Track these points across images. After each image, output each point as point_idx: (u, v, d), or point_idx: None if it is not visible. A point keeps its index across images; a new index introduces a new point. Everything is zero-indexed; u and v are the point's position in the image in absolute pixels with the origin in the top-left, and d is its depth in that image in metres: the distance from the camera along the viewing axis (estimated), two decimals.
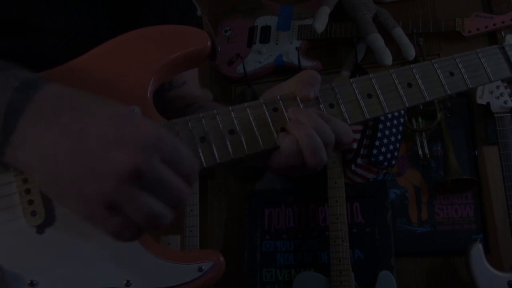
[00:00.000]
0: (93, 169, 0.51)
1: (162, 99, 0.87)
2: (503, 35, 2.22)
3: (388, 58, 2.18)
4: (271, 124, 0.66)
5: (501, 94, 2.01)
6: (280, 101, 0.67)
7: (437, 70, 0.73)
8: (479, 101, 2.07)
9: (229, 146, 0.64)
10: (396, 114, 2.12)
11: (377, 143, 2.09)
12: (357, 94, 0.70)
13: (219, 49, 0.72)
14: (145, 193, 0.53)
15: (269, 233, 2.34)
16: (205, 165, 0.63)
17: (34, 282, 0.57)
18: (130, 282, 0.59)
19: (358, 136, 2.11)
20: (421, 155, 2.22)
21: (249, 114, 0.66)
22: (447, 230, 2.17)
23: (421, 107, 2.18)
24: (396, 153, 2.13)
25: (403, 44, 2.20)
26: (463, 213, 2.17)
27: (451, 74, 0.74)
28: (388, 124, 2.10)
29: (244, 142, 0.65)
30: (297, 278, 2.09)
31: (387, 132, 2.11)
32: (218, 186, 2.51)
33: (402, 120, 2.14)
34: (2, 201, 0.59)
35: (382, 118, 2.09)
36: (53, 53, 0.70)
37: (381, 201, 2.22)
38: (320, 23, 2.33)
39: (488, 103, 2.04)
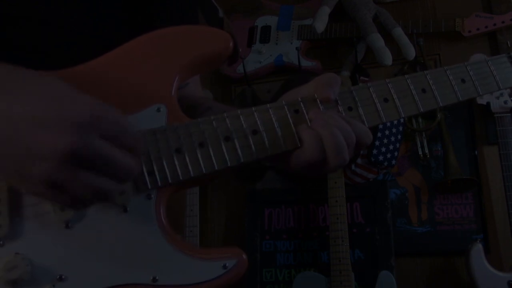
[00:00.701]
0: (29, 153, 0.51)
1: None
2: (503, 35, 2.22)
3: (388, 58, 2.18)
4: (292, 125, 0.67)
5: (501, 94, 2.01)
6: (301, 103, 0.69)
7: (450, 77, 0.75)
8: (479, 101, 2.07)
9: (252, 146, 0.66)
10: None
11: (377, 143, 2.09)
12: (374, 98, 0.72)
13: (240, 50, 0.74)
14: (86, 171, 0.53)
15: (269, 233, 2.34)
16: (229, 164, 0.65)
17: (63, 276, 0.58)
18: (157, 278, 0.60)
19: None
20: (421, 155, 2.22)
21: (272, 115, 0.67)
22: (447, 230, 2.17)
23: None
24: (396, 153, 2.13)
25: (403, 44, 2.21)
26: (463, 213, 2.17)
27: (463, 81, 0.76)
28: (388, 124, 2.10)
29: (267, 142, 0.66)
30: (297, 278, 2.09)
31: (387, 132, 2.11)
32: (218, 186, 2.51)
33: (402, 120, 2.14)
34: (30, 195, 0.59)
35: None
36: (55, 50, 0.70)
37: (381, 201, 2.22)
38: (320, 23, 2.33)
39: (488, 103, 2.04)
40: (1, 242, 0.57)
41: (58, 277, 0.57)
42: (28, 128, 0.51)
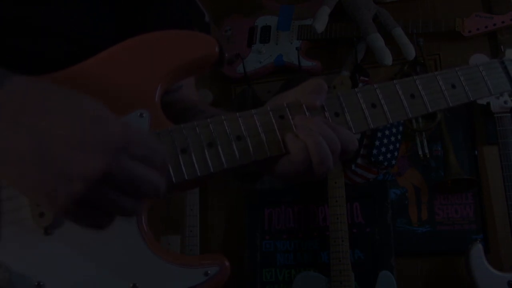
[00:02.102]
0: (61, 172, 0.51)
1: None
2: (503, 35, 2.23)
3: (388, 58, 2.18)
4: (277, 131, 0.67)
5: (501, 94, 2.01)
6: (287, 109, 0.68)
7: (439, 82, 0.75)
8: (479, 101, 2.07)
9: (236, 152, 0.65)
10: None
11: (377, 143, 2.09)
12: (362, 104, 0.71)
13: (226, 56, 0.74)
14: (116, 191, 0.53)
15: (269, 233, 2.34)
16: (212, 170, 0.64)
17: (41, 283, 0.57)
18: (137, 285, 0.59)
19: (358, 136, 2.11)
20: (421, 155, 2.22)
21: (256, 121, 0.67)
22: (447, 230, 2.17)
23: None
24: (396, 153, 2.13)
25: (403, 44, 2.20)
26: (463, 213, 2.17)
27: (453, 86, 0.75)
28: (388, 124, 2.10)
29: (251, 148, 0.66)
30: (297, 278, 2.09)
31: (387, 132, 2.11)
32: (218, 186, 2.51)
33: (402, 120, 2.14)
34: (10, 202, 0.59)
35: None
36: (53, 53, 0.70)
37: (381, 201, 2.21)
38: (320, 23, 2.33)
39: (488, 103, 2.04)
40: None
41: (36, 283, 0.56)
42: (62, 148, 0.52)
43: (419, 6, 2.44)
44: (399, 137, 2.15)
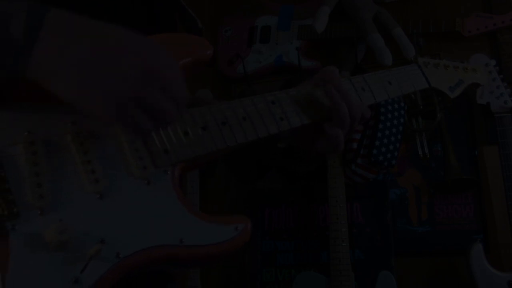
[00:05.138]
0: (122, 69, 0.61)
1: None
2: (503, 35, 2.23)
3: (388, 58, 2.18)
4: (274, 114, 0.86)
5: (501, 94, 2.01)
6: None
7: (381, 79, 0.96)
8: (479, 101, 2.07)
9: (244, 130, 0.81)
10: (396, 114, 2.12)
11: (377, 143, 2.08)
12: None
13: (214, 58, 0.85)
14: (159, 90, 0.64)
15: (269, 233, 2.34)
16: (227, 144, 0.78)
17: (104, 240, 0.65)
18: (183, 240, 0.70)
19: (358, 136, 2.11)
20: (421, 155, 2.22)
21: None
22: (447, 230, 2.17)
23: (421, 106, 2.18)
24: (396, 153, 2.13)
25: (403, 44, 2.21)
26: (463, 213, 2.17)
27: (390, 83, 0.97)
28: (388, 124, 2.10)
29: (248, 128, 0.82)
30: (297, 278, 2.09)
31: (387, 132, 2.11)
32: (219, 186, 2.51)
33: (402, 120, 2.14)
34: (66, 170, 0.68)
35: (382, 118, 2.09)
36: None
37: (381, 201, 2.22)
38: (320, 23, 2.33)
39: (488, 103, 2.04)
40: (45, 212, 0.64)
41: (100, 240, 0.64)
42: (120, 52, 0.62)
43: (419, 6, 2.44)
44: (399, 137, 2.14)
